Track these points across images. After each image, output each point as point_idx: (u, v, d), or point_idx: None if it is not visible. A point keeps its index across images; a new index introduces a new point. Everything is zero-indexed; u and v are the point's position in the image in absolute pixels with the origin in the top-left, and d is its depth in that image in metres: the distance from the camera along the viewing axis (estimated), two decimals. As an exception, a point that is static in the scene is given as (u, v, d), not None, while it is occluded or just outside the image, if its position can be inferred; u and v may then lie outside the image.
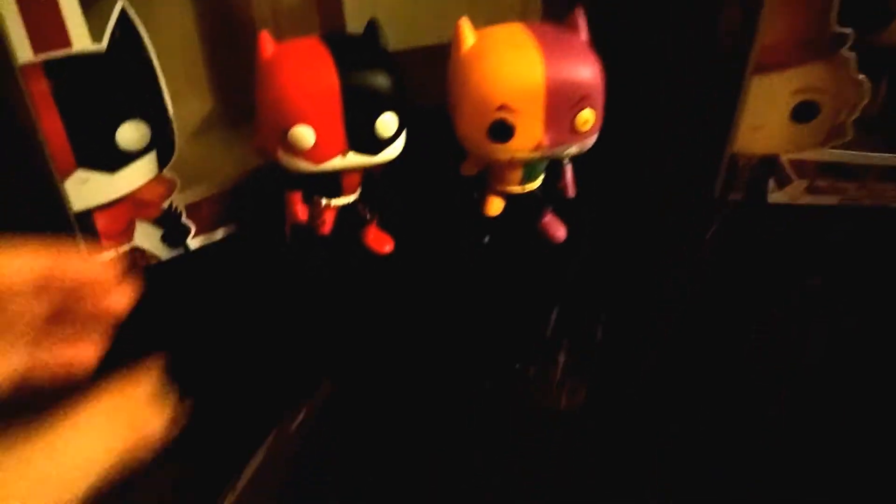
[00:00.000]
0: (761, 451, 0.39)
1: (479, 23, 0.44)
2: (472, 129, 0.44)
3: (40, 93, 0.40)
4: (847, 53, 0.47)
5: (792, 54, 0.48)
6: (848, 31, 0.46)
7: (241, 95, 0.50)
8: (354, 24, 0.52)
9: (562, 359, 0.44)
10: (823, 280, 0.49)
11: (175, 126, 0.45)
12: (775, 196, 0.53)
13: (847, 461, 0.39)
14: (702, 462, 0.39)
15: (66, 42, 0.39)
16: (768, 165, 0.52)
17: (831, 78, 0.48)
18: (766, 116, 0.50)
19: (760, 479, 0.38)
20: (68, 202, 0.43)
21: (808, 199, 0.53)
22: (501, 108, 0.42)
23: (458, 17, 0.44)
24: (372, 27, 0.44)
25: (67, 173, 0.42)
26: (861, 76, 0.47)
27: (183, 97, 0.51)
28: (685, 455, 0.39)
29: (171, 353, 0.44)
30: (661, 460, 0.39)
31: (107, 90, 0.42)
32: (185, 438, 0.39)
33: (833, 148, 0.50)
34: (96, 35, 0.39)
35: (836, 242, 0.52)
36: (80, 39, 0.39)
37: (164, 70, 0.44)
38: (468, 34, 0.43)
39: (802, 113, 0.49)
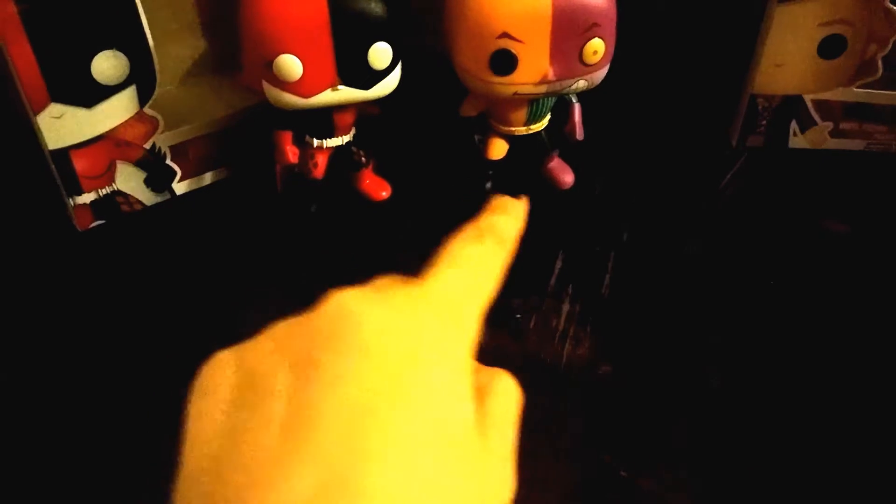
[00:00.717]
0: (776, 404, 0.37)
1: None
2: (472, 60, 0.41)
3: (7, 17, 0.37)
4: (879, -19, 0.43)
5: (820, -19, 0.44)
6: (881, -44, 0.43)
7: (232, 36, 0.47)
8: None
9: (565, 308, 0.41)
10: (848, 230, 0.46)
11: (160, 65, 0.42)
12: (797, 140, 0.50)
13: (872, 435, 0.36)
14: (710, 415, 0.36)
15: (33, -41, 0.36)
16: (791, 107, 0.49)
17: (861, 9, 0.44)
18: (789, 52, 0.46)
19: (772, 433, 0.36)
20: (42, 139, 0.41)
21: (832, 144, 0.50)
22: (503, 35, 0.39)
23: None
24: (364, -51, 0.41)
25: (41, 108, 0.40)
26: (894, 7, 0.44)
27: (172, 37, 0.48)
28: (693, 407, 0.37)
29: (159, 302, 0.42)
30: (668, 413, 0.36)
31: (80, 16, 0.39)
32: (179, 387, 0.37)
33: (860, 87, 0.47)
34: (66, -47, 0.37)
35: (862, 190, 0.49)
36: (48, -44, 0.36)
37: (151, 6, 0.41)
38: (469, -44, 0.40)
39: (829, 48, 0.46)
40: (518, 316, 0.41)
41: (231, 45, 0.51)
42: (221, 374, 0.21)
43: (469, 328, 0.22)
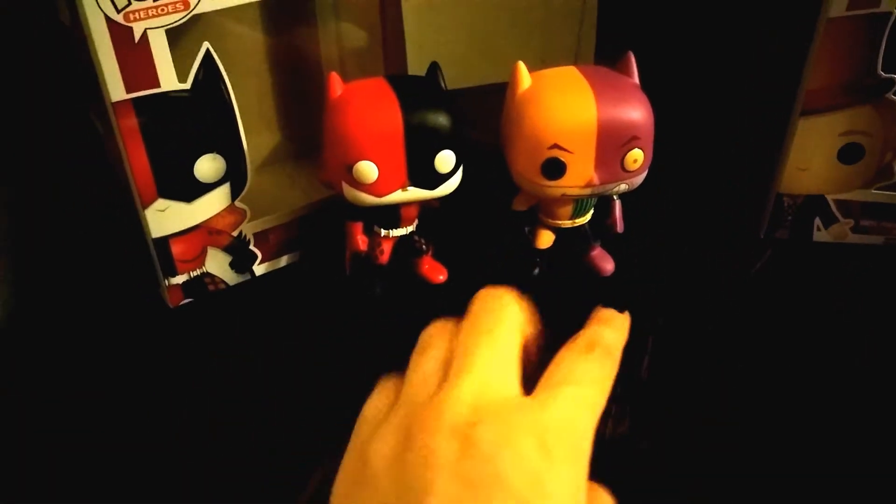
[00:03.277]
0: (812, 483, 0.40)
1: (534, 64, 0.47)
2: (525, 166, 0.46)
3: (129, 128, 0.43)
4: (893, 98, 0.48)
5: (838, 98, 0.49)
6: (894, 76, 0.47)
7: (306, 130, 0.53)
8: (416, 63, 0.55)
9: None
10: (868, 318, 0.50)
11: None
12: (821, 235, 0.54)
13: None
14: (746, 490, 0.40)
15: (156, 82, 0.42)
16: (814, 205, 0.53)
17: (877, 121, 0.49)
18: (812, 157, 0.51)
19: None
20: (148, 229, 0.47)
21: (853, 239, 0.54)
22: (554, 147, 0.44)
23: (514, 59, 0.46)
24: (433, 70, 0.47)
25: (149, 202, 0.46)
26: (907, 120, 0.48)
27: (254, 132, 0.54)
28: (728, 482, 0.40)
29: (237, 368, 0.47)
30: (704, 487, 0.40)
31: (188, 126, 0.45)
32: (246, 450, 0.41)
33: (878, 189, 0.52)
34: (182, 75, 0.43)
35: (882, 282, 0.53)
36: (168, 80, 0.42)
37: (237, 106, 0.47)
38: (524, 77, 0.46)
39: (848, 155, 0.50)
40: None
41: (305, 138, 0.57)
42: None
43: (586, 445, 0.25)
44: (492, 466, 0.22)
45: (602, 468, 0.41)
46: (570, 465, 0.24)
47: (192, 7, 0.41)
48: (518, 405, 0.25)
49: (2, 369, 0.47)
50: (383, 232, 0.50)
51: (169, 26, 0.41)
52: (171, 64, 0.42)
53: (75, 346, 0.49)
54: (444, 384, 0.26)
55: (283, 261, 0.54)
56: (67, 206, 0.55)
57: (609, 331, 0.30)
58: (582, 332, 0.29)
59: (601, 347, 0.28)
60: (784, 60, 0.49)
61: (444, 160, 0.46)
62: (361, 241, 0.50)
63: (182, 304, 0.51)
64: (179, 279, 0.50)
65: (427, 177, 0.46)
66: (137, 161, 0.44)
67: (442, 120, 0.45)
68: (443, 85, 0.47)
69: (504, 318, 0.31)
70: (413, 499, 0.22)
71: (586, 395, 0.27)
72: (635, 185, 0.47)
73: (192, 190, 0.47)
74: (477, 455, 0.22)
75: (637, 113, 0.45)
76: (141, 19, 0.40)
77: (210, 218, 0.49)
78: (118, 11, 0.39)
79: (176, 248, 0.48)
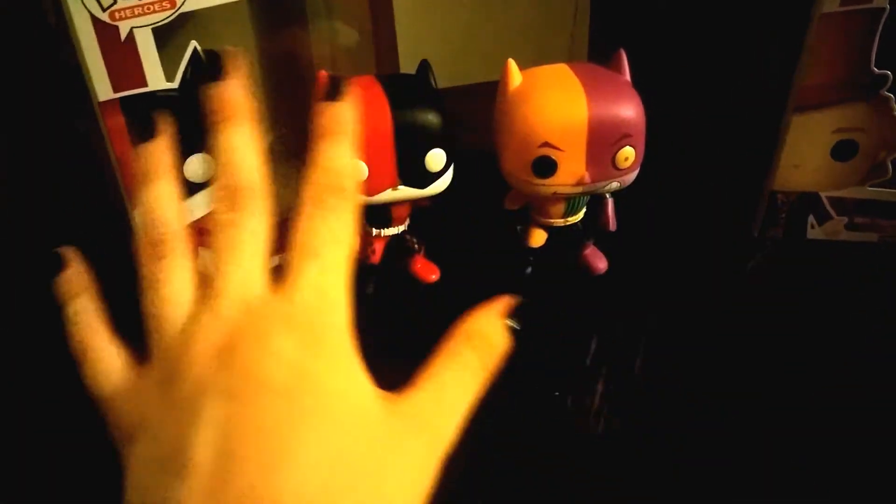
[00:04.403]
0: (804, 482, 0.40)
1: (527, 62, 0.46)
2: (516, 164, 0.46)
3: (116, 127, 0.43)
4: (887, 94, 0.48)
5: (832, 94, 0.49)
6: (888, 72, 0.47)
7: (299, 130, 0.52)
8: (408, 62, 0.55)
9: (600, 387, 0.45)
10: (862, 315, 0.50)
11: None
12: (814, 232, 0.54)
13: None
14: (741, 488, 0.40)
15: (143, 82, 0.42)
16: (808, 202, 0.53)
17: (871, 118, 0.49)
18: (805, 155, 0.51)
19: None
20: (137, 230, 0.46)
21: (847, 236, 0.54)
22: (544, 145, 0.44)
23: (506, 58, 0.46)
24: (424, 68, 0.46)
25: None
26: (901, 117, 0.48)
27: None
28: (720, 481, 0.40)
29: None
30: (698, 484, 0.40)
31: (177, 126, 0.45)
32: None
33: (872, 186, 0.51)
34: (170, 75, 0.43)
35: (876, 279, 0.52)
36: (156, 79, 0.42)
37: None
38: (515, 74, 0.45)
39: (842, 151, 0.50)
40: (557, 394, 0.45)
41: (297, 138, 0.57)
42: None
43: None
44: (253, 375, 0.23)
45: (597, 465, 0.41)
46: (335, 352, 0.25)
47: (178, 5, 0.41)
48: (265, 301, 0.26)
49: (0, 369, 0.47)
50: (375, 231, 0.50)
51: (155, 25, 0.41)
52: (159, 63, 0.42)
53: (68, 346, 0.49)
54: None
55: (275, 261, 0.53)
56: (57, 207, 0.55)
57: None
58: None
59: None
60: (777, 56, 0.49)
61: (435, 159, 0.45)
62: (353, 241, 0.49)
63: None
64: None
65: (417, 175, 0.46)
66: (126, 161, 0.44)
67: (432, 118, 0.45)
68: (433, 83, 0.46)
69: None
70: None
71: (332, 267, 0.27)
72: (627, 183, 0.47)
73: (181, 190, 0.46)
74: (235, 368, 0.24)
75: (628, 110, 0.44)
76: (127, 18, 0.40)
77: (200, 218, 0.48)
78: (104, 10, 0.39)
79: (166, 249, 0.48)
